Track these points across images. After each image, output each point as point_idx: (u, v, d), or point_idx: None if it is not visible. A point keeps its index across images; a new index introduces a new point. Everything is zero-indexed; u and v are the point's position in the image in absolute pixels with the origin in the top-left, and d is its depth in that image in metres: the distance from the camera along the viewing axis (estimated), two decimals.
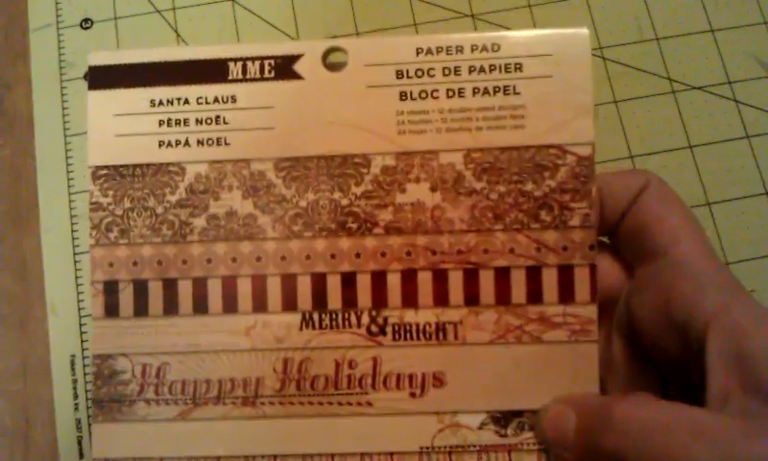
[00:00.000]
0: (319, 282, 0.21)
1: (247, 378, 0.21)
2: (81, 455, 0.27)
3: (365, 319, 0.21)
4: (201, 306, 0.22)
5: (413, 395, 0.21)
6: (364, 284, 0.21)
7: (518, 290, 0.21)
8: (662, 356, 0.20)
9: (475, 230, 0.21)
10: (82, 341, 0.29)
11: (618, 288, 0.22)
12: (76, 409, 0.28)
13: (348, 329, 0.21)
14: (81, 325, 0.29)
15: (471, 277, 0.21)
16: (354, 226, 0.21)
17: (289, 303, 0.21)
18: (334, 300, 0.21)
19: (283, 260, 0.22)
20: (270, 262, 0.22)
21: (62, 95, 0.31)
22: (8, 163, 0.30)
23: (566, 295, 0.21)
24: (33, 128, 0.30)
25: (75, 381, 0.28)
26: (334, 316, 0.21)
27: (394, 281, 0.21)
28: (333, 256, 0.21)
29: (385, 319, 0.21)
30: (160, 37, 0.33)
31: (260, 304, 0.22)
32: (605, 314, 0.22)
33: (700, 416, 0.18)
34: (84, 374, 0.29)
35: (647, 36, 0.32)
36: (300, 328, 0.21)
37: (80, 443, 0.28)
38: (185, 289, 0.22)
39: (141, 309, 0.22)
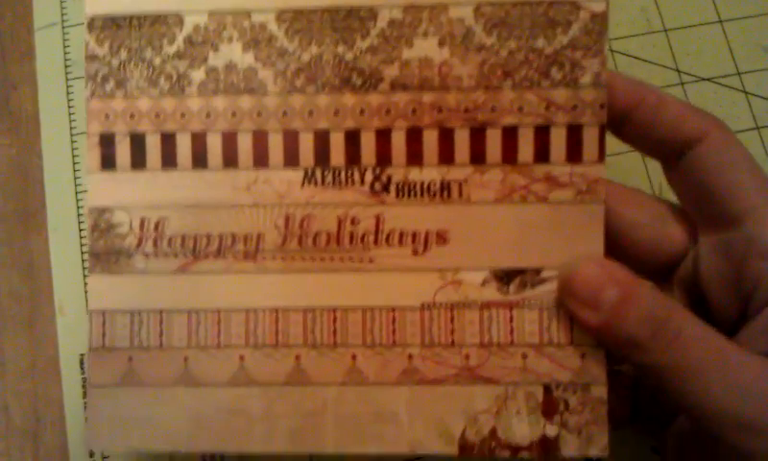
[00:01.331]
0: (321, 139, 0.21)
1: (248, 234, 0.21)
2: (91, 454, 0.27)
3: (368, 176, 0.21)
4: (200, 161, 0.21)
5: (415, 252, 0.21)
6: (368, 141, 0.21)
7: (525, 149, 0.21)
8: (721, 317, 0.21)
9: (483, 87, 0.21)
10: None
11: (685, 246, 0.22)
12: (86, 408, 0.28)
13: (351, 187, 0.21)
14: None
15: (478, 135, 0.21)
16: (359, 81, 0.21)
17: (291, 159, 0.21)
18: (337, 157, 0.21)
19: (285, 116, 0.21)
20: (271, 117, 0.21)
21: (68, 94, 0.30)
22: (15, 163, 0.30)
23: (574, 154, 0.20)
24: (39, 127, 0.30)
25: (84, 380, 0.28)
26: (337, 173, 0.21)
27: (398, 139, 0.21)
28: (337, 113, 0.21)
29: (389, 177, 0.21)
30: None
31: (261, 160, 0.21)
32: (668, 270, 0.22)
33: (730, 346, 0.19)
34: None
35: (655, 27, 0.32)
36: (302, 185, 0.21)
37: None
38: (184, 143, 0.21)
39: (138, 162, 0.21)
